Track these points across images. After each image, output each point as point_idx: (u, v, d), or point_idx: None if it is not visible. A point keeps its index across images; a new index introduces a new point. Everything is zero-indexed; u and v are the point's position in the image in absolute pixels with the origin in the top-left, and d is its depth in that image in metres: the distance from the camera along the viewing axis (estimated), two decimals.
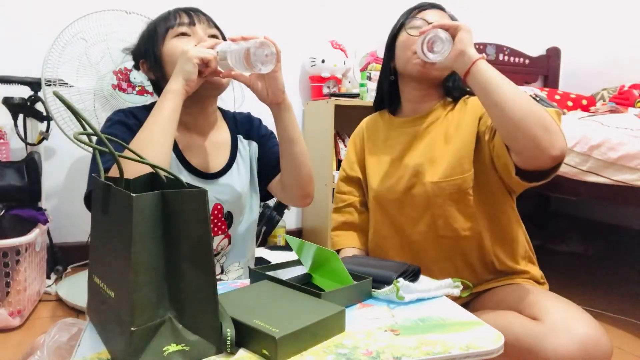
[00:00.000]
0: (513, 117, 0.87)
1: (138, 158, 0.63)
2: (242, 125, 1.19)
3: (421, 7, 1.14)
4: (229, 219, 1.10)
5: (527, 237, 1.15)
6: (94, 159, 1.03)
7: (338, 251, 1.25)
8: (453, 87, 1.15)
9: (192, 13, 1.05)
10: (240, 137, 1.16)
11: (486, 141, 1.03)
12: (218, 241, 1.08)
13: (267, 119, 1.17)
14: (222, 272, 1.10)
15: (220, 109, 1.19)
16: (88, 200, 1.02)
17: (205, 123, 1.10)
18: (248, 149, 1.16)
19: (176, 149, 1.04)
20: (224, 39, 1.10)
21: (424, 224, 1.10)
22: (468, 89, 1.14)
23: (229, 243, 1.11)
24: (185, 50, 0.92)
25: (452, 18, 1.14)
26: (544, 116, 0.87)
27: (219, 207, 1.07)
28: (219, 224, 1.08)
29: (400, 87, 1.19)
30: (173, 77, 0.92)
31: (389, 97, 1.22)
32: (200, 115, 1.08)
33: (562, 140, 0.87)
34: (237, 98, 1.13)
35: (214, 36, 1.06)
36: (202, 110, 1.08)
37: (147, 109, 1.06)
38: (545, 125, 0.86)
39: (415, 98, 1.16)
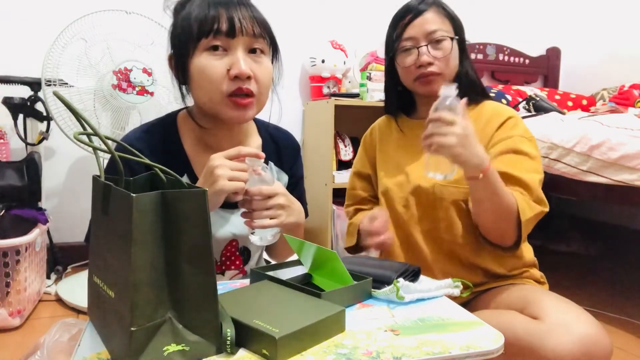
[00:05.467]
0: (486, 220, 1.01)
1: (137, 158, 0.63)
2: (280, 152, 1.07)
3: (406, 17, 1.10)
4: (244, 254, 1.03)
5: (525, 250, 1.13)
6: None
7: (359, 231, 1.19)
8: (468, 89, 1.11)
9: (235, 17, 0.86)
10: (271, 164, 1.05)
11: None
12: (230, 275, 1.02)
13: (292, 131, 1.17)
14: None
15: (255, 120, 1.06)
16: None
17: (230, 145, 0.95)
18: (275, 178, 1.03)
19: (190, 172, 0.96)
20: (274, 44, 0.96)
21: (427, 223, 1.11)
22: (484, 93, 1.16)
23: (243, 277, 1.05)
24: (215, 179, 0.80)
25: (450, 14, 1.12)
26: (506, 229, 0.98)
27: (234, 242, 1.00)
28: (233, 258, 1.01)
29: (413, 93, 1.18)
30: None
31: (400, 102, 1.22)
32: (225, 137, 0.98)
33: (512, 238, 0.99)
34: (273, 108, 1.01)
35: (257, 50, 0.90)
36: (228, 132, 0.98)
37: (162, 132, 0.96)
38: (503, 235, 1.00)
39: (430, 102, 1.15)
